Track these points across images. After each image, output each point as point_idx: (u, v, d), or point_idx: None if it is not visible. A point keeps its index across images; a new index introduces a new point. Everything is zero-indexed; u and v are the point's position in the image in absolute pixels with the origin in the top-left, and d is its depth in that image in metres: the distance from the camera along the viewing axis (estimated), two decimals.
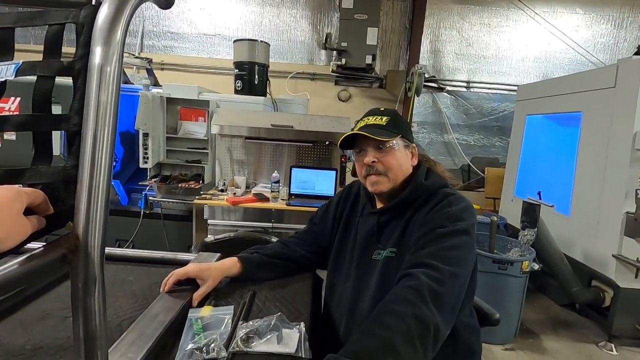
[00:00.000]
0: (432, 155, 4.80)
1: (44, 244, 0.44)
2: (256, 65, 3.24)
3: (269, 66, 3.40)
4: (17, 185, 0.42)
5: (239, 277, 1.07)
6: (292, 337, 0.80)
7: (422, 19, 4.61)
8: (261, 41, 3.32)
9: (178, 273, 0.98)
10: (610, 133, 2.51)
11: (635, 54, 2.60)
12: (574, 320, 2.83)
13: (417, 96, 4.36)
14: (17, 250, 0.43)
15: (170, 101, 2.85)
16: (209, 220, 2.48)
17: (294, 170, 2.65)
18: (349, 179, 2.53)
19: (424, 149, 4.77)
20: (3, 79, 0.44)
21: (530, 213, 2.44)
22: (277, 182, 2.56)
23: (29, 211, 0.43)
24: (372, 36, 4.09)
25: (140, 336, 0.76)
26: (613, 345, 2.47)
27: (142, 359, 0.70)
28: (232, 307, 0.90)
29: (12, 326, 0.81)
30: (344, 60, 4.17)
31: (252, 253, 1.13)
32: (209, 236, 2.46)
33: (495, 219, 2.53)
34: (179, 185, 2.72)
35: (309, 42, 4.75)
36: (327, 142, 2.79)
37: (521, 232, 2.48)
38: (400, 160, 1.02)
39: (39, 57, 0.40)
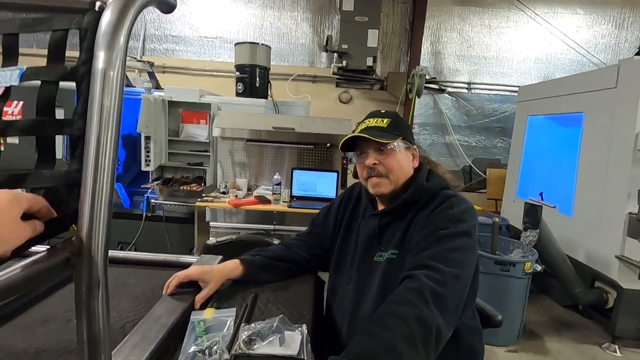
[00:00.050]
0: (434, 156, 4.78)
1: (48, 247, 0.45)
2: (257, 68, 3.26)
3: (270, 69, 3.42)
4: (17, 190, 0.43)
5: (241, 279, 1.08)
6: (295, 339, 0.80)
7: (423, 21, 4.62)
8: (262, 44, 3.34)
9: (180, 275, 0.98)
10: (612, 133, 2.50)
11: (637, 54, 2.60)
12: (577, 322, 2.82)
13: (418, 98, 4.37)
14: (20, 254, 0.43)
15: (172, 104, 2.86)
16: (210, 223, 2.48)
17: (296, 172, 2.66)
18: (351, 181, 2.54)
19: (425, 151, 4.76)
20: (8, 85, 0.45)
21: (532, 214, 2.43)
22: (279, 184, 2.56)
23: (30, 216, 0.43)
24: (372, 38, 4.09)
25: (143, 339, 0.76)
26: (616, 346, 2.46)
27: None
28: (235, 309, 0.90)
29: (15, 329, 0.81)
30: (344, 62, 4.18)
31: (254, 255, 1.13)
32: (210, 238, 2.46)
33: (497, 220, 2.52)
34: (181, 187, 2.73)
35: (309, 44, 4.76)
36: (328, 144, 2.79)
37: (523, 233, 2.48)
38: (402, 162, 1.02)
39: (41, 61, 0.40)
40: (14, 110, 2.58)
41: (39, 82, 0.46)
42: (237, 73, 3.28)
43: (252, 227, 2.48)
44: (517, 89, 4.07)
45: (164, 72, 4.59)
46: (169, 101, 2.83)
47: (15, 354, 0.73)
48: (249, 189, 2.79)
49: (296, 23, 4.72)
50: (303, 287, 1.13)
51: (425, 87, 4.46)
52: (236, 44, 3.35)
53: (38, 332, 0.80)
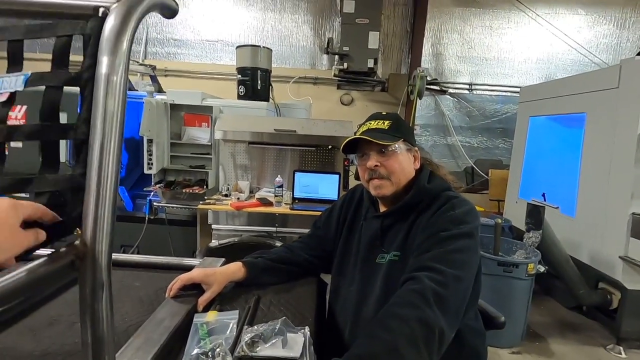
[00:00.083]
0: (436, 157, 4.75)
1: (52, 250, 0.45)
2: (259, 71, 3.27)
3: (271, 71, 3.43)
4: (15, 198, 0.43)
5: (243, 281, 1.08)
6: (297, 342, 0.81)
7: (424, 23, 4.62)
8: (263, 47, 3.35)
9: (183, 278, 0.99)
10: (615, 134, 2.50)
11: (638, 54, 2.59)
12: (581, 323, 2.81)
13: (420, 99, 4.37)
14: (25, 258, 0.44)
15: (174, 107, 2.87)
16: (213, 225, 2.49)
17: (297, 174, 2.66)
18: (353, 183, 2.54)
19: (427, 152, 4.75)
20: (13, 90, 0.45)
21: (535, 215, 2.43)
22: (281, 186, 2.57)
23: (31, 224, 0.43)
24: (373, 40, 4.10)
25: (146, 341, 0.76)
26: (621, 348, 2.44)
27: None
28: (237, 311, 0.91)
29: (20, 332, 0.82)
30: (346, 65, 4.19)
31: (257, 258, 1.13)
32: (213, 241, 2.47)
33: (499, 221, 2.52)
34: (183, 190, 2.74)
35: (311, 47, 4.78)
36: (330, 146, 2.80)
37: (526, 234, 2.47)
38: (403, 164, 1.03)
39: (44, 65, 0.41)
40: (17, 115, 2.59)
41: (42, 87, 0.47)
42: (239, 76, 3.29)
43: (255, 230, 2.48)
44: (518, 89, 4.07)
45: (166, 75, 4.61)
46: (171, 104, 2.84)
47: (20, 356, 0.73)
48: (251, 192, 2.79)
49: (297, 25, 4.74)
50: (305, 290, 1.13)
51: (427, 89, 4.46)
52: (237, 47, 3.36)
53: (43, 335, 0.81)
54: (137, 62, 3.86)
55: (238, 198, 2.59)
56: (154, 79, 3.71)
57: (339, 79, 4.50)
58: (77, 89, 0.47)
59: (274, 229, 2.47)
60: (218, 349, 0.75)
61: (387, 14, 4.63)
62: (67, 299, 0.96)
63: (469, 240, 0.89)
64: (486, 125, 4.91)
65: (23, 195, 0.45)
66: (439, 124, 4.92)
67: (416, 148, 1.08)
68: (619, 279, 2.41)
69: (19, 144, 2.63)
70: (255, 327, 0.83)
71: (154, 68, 3.82)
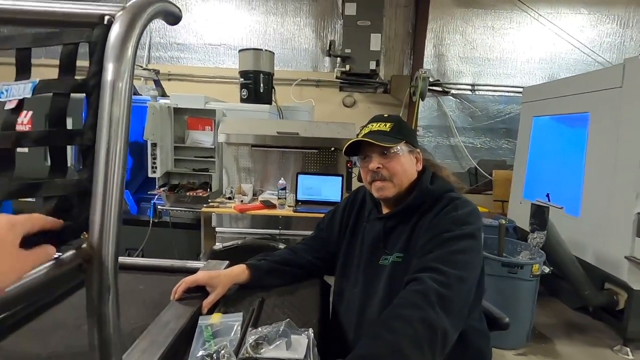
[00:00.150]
0: (439, 158, 4.80)
1: (60, 254, 0.46)
2: (261, 74, 3.28)
3: (274, 74, 3.44)
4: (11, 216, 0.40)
5: (247, 284, 1.08)
6: (301, 343, 0.81)
7: (425, 24, 4.63)
8: (266, 50, 3.37)
9: (188, 281, 0.99)
10: (619, 133, 2.48)
11: None
12: (587, 324, 2.78)
13: (422, 100, 4.36)
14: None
15: (178, 111, 2.89)
16: (217, 228, 2.50)
17: (300, 176, 2.67)
18: (356, 185, 2.54)
19: (430, 153, 4.72)
20: (21, 97, 0.47)
21: (539, 215, 2.41)
22: (284, 188, 2.57)
23: (35, 237, 0.41)
24: (375, 42, 4.11)
25: (152, 344, 0.77)
26: (629, 349, 2.42)
27: None
28: (241, 313, 0.91)
29: (28, 335, 0.83)
30: (348, 67, 4.20)
31: (260, 260, 1.14)
32: (217, 244, 2.48)
33: (503, 222, 2.51)
34: (187, 193, 2.76)
35: (313, 49, 4.79)
36: (332, 148, 2.80)
37: (530, 234, 2.46)
38: (405, 165, 1.03)
39: (50, 71, 0.42)
40: (23, 120, 2.62)
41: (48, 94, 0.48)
42: (242, 79, 3.31)
43: (258, 232, 2.49)
44: (521, 89, 4.05)
45: (169, 79, 4.65)
46: (174, 108, 2.86)
47: (29, 359, 0.74)
48: (254, 194, 2.80)
49: (299, 28, 4.76)
50: (309, 291, 1.13)
51: (429, 90, 4.46)
52: (240, 51, 3.38)
53: (50, 338, 0.82)
54: (141, 67, 3.89)
55: (241, 201, 2.60)
56: (157, 83, 3.74)
57: (341, 81, 4.51)
58: (81, 95, 0.48)
59: (277, 231, 2.48)
60: (223, 351, 0.75)
61: (388, 16, 4.64)
62: (73, 302, 0.96)
63: (472, 241, 0.89)
64: (489, 126, 4.89)
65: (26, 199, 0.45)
66: (441, 125, 4.91)
67: (418, 150, 1.09)
68: (625, 280, 2.39)
69: (25, 149, 2.66)
70: (260, 329, 0.83)
71: (157, 72, 3.86)
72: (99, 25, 0.47)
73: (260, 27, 4.74)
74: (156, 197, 2.80)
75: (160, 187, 2.82)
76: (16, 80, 0.48)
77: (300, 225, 2.48)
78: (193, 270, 1.12)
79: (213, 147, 2.91)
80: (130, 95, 0.48)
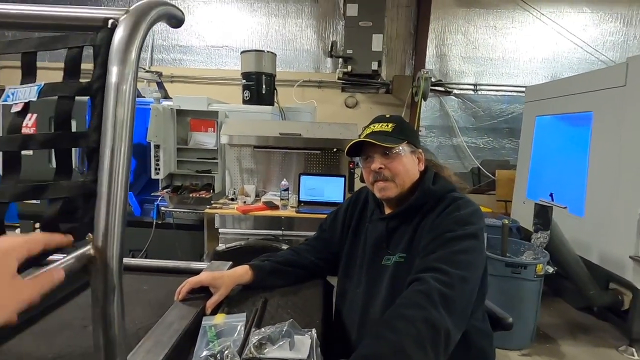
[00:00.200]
0: (441, 158, 4.80)
1: (65, 255, 0.47)
2: (263, 75, 3.29)
3: (276, 75, 3.45)
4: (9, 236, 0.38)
5: (250, 284, 1.09)
6: (304, 343, 0.81)
7: (427, 24, 4.62)
8: (268, 51, 3.38)
9: (191, 282, 1.00)
10: (622, 132, 2.47)
11: None
12: (592, 324, 2.77)
13: (424, 100, 4.36)
14: (39, 263, 0.45)
15: (180, 113, 2.91)
16: (220, 229, 2.50)
17: (303, 177, 2.67)
18: (358, 185, 2.54)
19: (432, 154, 4.75)
20: (27, 100, 0.47)
21: (543, 215, 2.41)
22: (286, 189, 2.58)
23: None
24: (377, 42, 4.11)
25: (156, 344, 0.77)
26: (634, 349, 2.41)
27: None
28: (245, 314, 0.91)
29: (34, 336, 0.83)
30: (350, 67, 4.20)
31: (263, 261, 1.14)
32: (220, 245, 2.48)
33: (506, 222, 2.50)
34: (190, 195, 2.77)
35: (314, 50, 4.80)
36: (335, 149, 2.81)
37: (534, 234, 2.45)
38: (407, 165, 1.03)
39: (54, 74, 0.42)
40: (27, 123, 2.64)
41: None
42: (244, 81, 3.32)
43: (261, 233, 2.50)
44: (524, 89, 4.04)
45: (172, 81, 4.67)
46: (177, 110, 2.88)
47: (34, 359, 0.75)
48: (257, 195, 2.81)
49: (301, 30, 4.77)
50: (312, 292, 1.13)
51: (431, 90, 4.45)
52: (242, 52, 3.39)
53: (56, 338, 0.82)
54: (144, 69, 3.91)
55: (244, 202, 2.61)
56: (160, 85, 3.76)
57: (343, 81, 4.52)
58: (84, 98, 0.48)
59: (280, 232, 2.49)
60: (226, 351, 0.76)
61: (390, 16, 4.64)
62: (79, 303, 0.97)
63: (475, 241, 0.89)
64: (492, 126, 4.88)
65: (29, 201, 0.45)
66: (444, 125, 4.91)
67: (420, 150, 1.09)
68: (630, 279, 2.38)
69: (30, 152, 2.67)
70: (263, 329, 0.84)
71: (160, 75, 3.87)
72: (103, 29, 0.48)
73: (262, 29, 4.76)
74: (159, 198, 2.81)
75: (163, 188, 2.83)
76: (22, 83, 0.49)
77: (302, 226, 2.48)
78: (196, 271, 1.13)
79: (216, 148, 2.92)
80: (134, 98, 0.48)
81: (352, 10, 4.07)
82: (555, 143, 3.38)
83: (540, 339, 2.54)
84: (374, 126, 1.06)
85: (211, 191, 2.85)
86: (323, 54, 4.79)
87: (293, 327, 0.84)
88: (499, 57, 4.77)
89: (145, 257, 2.81)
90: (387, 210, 1.10)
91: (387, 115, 1.10)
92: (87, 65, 0.48)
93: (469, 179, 4.73)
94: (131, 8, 0.49)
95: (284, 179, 2.63)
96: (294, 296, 1.09)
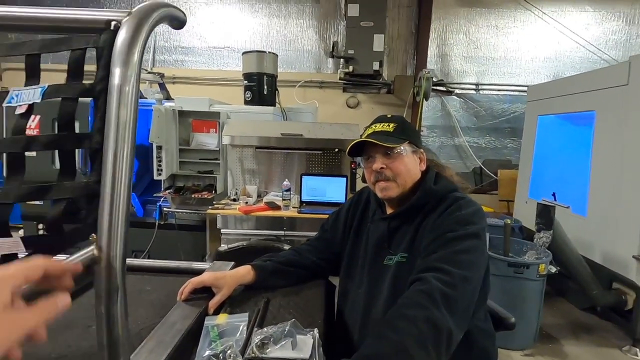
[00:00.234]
0: (443, 158, 4.79)
1: (68, 255, 0.47)
2: (265, 76, 3.30)
3: (277, 76, 3.46)
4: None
5: (253, 284, 1.09)
6: (306, 343, 0.81)
7: (429, 24, 4.62)
8: (269, 52, 3.39)
9: (194, 282, 1.00)
10: (625, 131, 2.46)
11: None
12: (595, 324, 2.76)
13: (426, 100, 4.36)
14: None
15: (182, 114, 2.91)
16: (222, 230, 2.51)
17: (305, 178, 2.67)
18: (360, 186, 2.54)
19: (434, 153, 4.74)
20: (31, 102, 0.48)
21: (545, 215, 2.40)
22: (288, 190, 2.58)
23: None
24: (378, 43, 4.11)
25: (159, 344, 0.78)
26: (638, 349, 2.39)
27: None
28: (247, 314, 0.92)
29: None
30: (351, 68, 4.20)
31: (265, 261, 1.15)
32: (222, 245, 2.49)
33: (508, 221, 2.49)
34: (192, 195, 2.77)
35: (316, 51, 4.80)
36: (336, 149, 2.81)
37: (536, 234, 2.44)
38: (409, 165, 1.03)
39: (57, 76, 0.42)
40: (31, 124, 2.66)
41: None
42: (245, 81, 3.33)
43: (263, 233, 2.50)
44: (526, 88, 4.03)
45: (174, 82, 4.68)
46: (179, 111, 2.88)
47: (38, 359, 0.75)
48: (259, 196, 2.81)
49: (302, 30, 4.77)
50: (314, 292, 1.14)
51: (433, 90, 4.45)
52: (244, 53, 3.40)
53: (60, 338, 0.83)
54: (146, 71, 3.93)
55: (246, 202, 2.61)
56: (162, 86, 3.77)
57: (345, 82, 4.51)
58: (87, 99, 0.49)
59: (282, 232, 2.49)
60: (229, 351, 0.76)
61: (391, 16, 4.64)
62: (82, 303, 0.98)
63: (476, 241, 0.89)
64: (494, 125, 4.87)
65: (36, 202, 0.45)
66: (446, 125, 4.90)
67: (422, 150, 1.09)
68: (633, 279, 2.37)
69: (33, 153, 2.69)
70: (265, 329, 0.84)
71: (162, 76, 3.89)
72: (105, 31, 0.48)
73: (264, 30, 4.77)
74: (162, 199, 2.82)
75: (165, 189, 2.84)
76: (26, 85, 0.49)
77: (304, 227, 2.48)
78: (199, 272, 1.13)
79: (217, 149, 2.92)
80: (137, 99, 0.49)
81: (354, 10, 4.07)
82: (558, 142, 3.37)
83: (543, 339, 2.53)
84: (376, 126, 1.07)
85: (213, 192, 2.85)
86: (324, 55, 4.79)
87: (295, 327, 0.84)
88: (501, 56, 4.76)
89: (148, 258, 2.82)
90: (389, 210, 1.10)
91: (389, 115, 1.10)
92: (90, 67, 0.48)
93: (471, 179, 4.72)
94: (133, 10, 0.49)
95: (286, 180, 2.63)
96: (296, 296, 1.09)
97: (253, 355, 0.77)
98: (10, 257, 0.45)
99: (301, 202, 2.64)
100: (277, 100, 3.45)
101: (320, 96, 4.70)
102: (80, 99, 0.49)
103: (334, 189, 2.66)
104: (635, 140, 2.39)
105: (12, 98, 0.48)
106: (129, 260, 1.25)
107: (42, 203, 2.64)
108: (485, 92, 4.82)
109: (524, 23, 4.68)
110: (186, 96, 3.14)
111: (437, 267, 0.83)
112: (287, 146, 2.79)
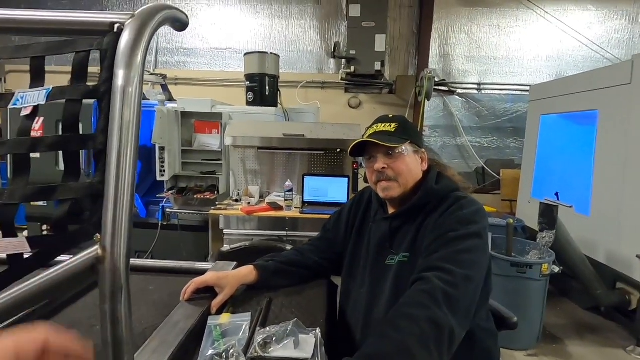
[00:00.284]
0: (446, 158, 4.79)
1: (72, 256, 0.48)
2: (267, 77, 3.31)
3: (279, 77, 3.47)
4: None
5: (255, 284, 1.09)
6: (309, 343, 0.82)
7: (430, 24, 4.62)
8: (271, 53, 3.40)
9: (197, 282, 1.01)
10: (628, 130, 2.45)
11: None
12: (599, 324, 2.74)
13: (428, 100, 4.35)
14: (47, 263, 0.46)
15: (185, 115, 2.93)
16: (224, 230, 2.52)
17: (307, 178, 2.68)
18: (362, 186, 2.54)
19: (436, 153, 4.74)
20: (36, 104, 0.48)
21: (548, 214, 2.39)
22: (290, 190, 2.58)
23: None
24: (380, 43, 4.11)
25: (162, 343, 0.78)
26: None
27: None
28: (250, 313, 0.92)
29: None
30: (353, 68, 4.21)
31: (268, 261, 1.15)
32: (225, 245, 2.50)
33: (511, 221, 2.48)
34: (195, 196, 2.78)
35: (317, 51, 4.81)
36: (338, 150, 2.81)
37: (539, 234, 2.43)
38: (410, 165, 1.03)
39: (60, 78, 0.43)
40: (34, 126, 2.67)
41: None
42: (247, 82, 3.34)
43: (265, 234, 2.50)
44: (528, 88, 4.02)
45: (176, 84, 4.70)
46: (181, 112, 2.90)
47: None
48: (261, 196, 2.82)
49: (304, 31, 4.78)
50: (316, 292, 1.14)
51: (435, 90, 4.45)
52: (245, 54, 3.41)
53: None
54: (149, 72, 3.94)
55: (249, 203, 2.62)
56: (164, 87, 3.79)
57: (347, 82, 4.52)
58: (91, 101, 0.49)
59: (284, 232, 2.49)
60: (232, 350, 0.76)
61: (393, 17, 4.64)
62: (87, 302, 0.99)
63: (478, 240, 0.89)
64: (496, 125, 4.86)
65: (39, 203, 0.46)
66: (448, 124, 4.89)
67: (423, 149, 1.09)
68: (637, 279, 2.36)
69: (37, 154, 2.71)
70: (268, 328, 0.84)
71: (164, 77, 3.91)
72: (109, 33, 0.49)
73: (265, 31, 4.78)
74: (164, 200, 2.83)
75: (168, 190, 2.85)
76: (31, 87, 0.50)
77: (306, 227, 2.49)
78: (202, 272, 1.14)
79: (220, 150, 2.93)
80: (140, 100, 0.49)
81: (355, 11, 4.08)
82: (561, 142, 3.35)
83: (547, 339, 2.52)
84: (377, 126, 1.07)
85: (216, 192, 2.86)
86: (326, 55, 4.80)
87: (297, 326, 0.85)
88: (503, 56, 4.75)
89: (151, 258, 2.84)
90: (391, 210, 1.10)
91: (390, 115, 1.10)
92: (93, 69, 0.49)
93: (474, 179, 4.71)
94: (137, 12, 0.50)
95: (288, 180, 2.64)
96: (298, 296, 1.10)
97: (256, 354, 0.77)
98: (16, 257, 0.45)
99: (303, 203, 2.64)
100: (279, 101, 3.45)
101: (322, 97, 4.71)
102: (84, 100, 0.49)
103: (336, 189, 2.66)
104: (639, 139, 2.38)
105: (18, 100, 0.49)
106: (132, 261, 1.26)
107: (45, 204, 2.66)
108: (487, 91, 4.81)
109: (526, 22, 4.67)
110: (188, 97, 3.16)
111: (438, 266, 0.84)
112: (289, 147, 2.80)
